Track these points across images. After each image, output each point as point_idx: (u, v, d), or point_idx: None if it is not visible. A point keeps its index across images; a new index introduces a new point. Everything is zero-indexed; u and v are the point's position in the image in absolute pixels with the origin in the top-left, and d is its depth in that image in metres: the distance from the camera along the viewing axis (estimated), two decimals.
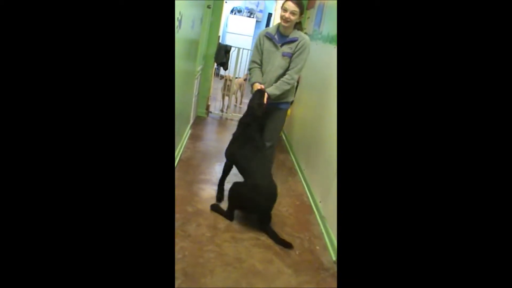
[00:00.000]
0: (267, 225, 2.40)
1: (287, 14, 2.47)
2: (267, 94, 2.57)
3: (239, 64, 4.97)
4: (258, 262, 2.07)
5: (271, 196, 2.41)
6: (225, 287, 1.82)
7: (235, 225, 2.41)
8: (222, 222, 2.41)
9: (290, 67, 2.59)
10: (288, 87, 2.61)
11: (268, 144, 2.82)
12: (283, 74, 2.63)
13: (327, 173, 2.66)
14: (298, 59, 2.56)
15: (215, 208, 2.53)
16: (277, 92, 2.59)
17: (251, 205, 2.39)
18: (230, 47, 4.82)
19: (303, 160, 3.52)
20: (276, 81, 2.63)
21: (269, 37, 2.63)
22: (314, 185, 3.03)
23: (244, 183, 2.46)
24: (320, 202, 2.75)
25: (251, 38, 8.64)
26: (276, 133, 2.86)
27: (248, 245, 2.22)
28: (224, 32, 8.34)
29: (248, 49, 5.78)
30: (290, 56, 2.58)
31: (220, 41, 4.85)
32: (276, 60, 2.62)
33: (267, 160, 2.59)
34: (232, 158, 2.62)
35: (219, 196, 2.71)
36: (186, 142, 3.68)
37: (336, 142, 2.46)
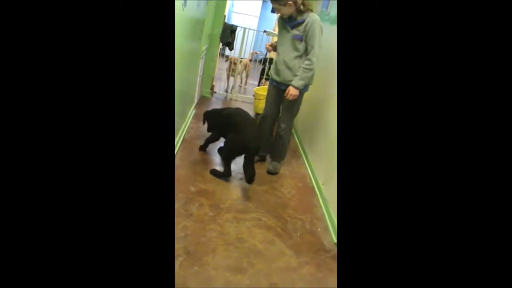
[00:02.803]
0: (253, 159, 2.72)
1: (276, 11, 2.64)
2: (294, 86, 2.65)
3: (244, 45, 4.92)
4: (259, 243, 2.09)
5: (255, 129, 2.74)
6: (227, 266, 1.84)
7: (237, 205, 2.43)
8: (225, 202, 2.43)
9: (308, 51, 2.61)
10: (310, 73, 2.65)
11: (283, 126, 2.92)
12: (299, 56, 2.66)
13: (330, 156, 2.66)
14: (311, 42, 2.58)
15: (214, 172, 2.77)
16: (302, 82, 2.65)
17: (239, 144, 2.66)
18: (236, 27, 4.76)
19: (307, 142, 3.51)
20: (291, 62, 2.68)
21: (281, 20, 2.71)
22: (317, 167, 3.04)
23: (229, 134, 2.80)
24: (322, 184, 2.76)
25: (257, 18, 8.54)
26: (292, 116, 2.92)
27: (250, 225, 2.24)
28: (230, 12, 8.24)
29: (254, 30, 5.73)
30: (301, 38, 2.60)
31: (226, 20, 4.79)
32: (288, 43, 2.68)
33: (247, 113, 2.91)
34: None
35: (203, 147, 3.13)
36: (190, 122, 3.68)
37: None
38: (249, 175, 2.58)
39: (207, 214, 2.26)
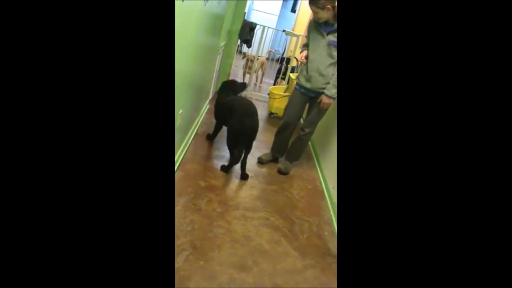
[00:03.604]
0: (248, 151, 2.77)
1: (313, 15, 2.53)
2: (327, 95, 2.62)
3: (262, 43, 4.91)
4: (266, 242, 2.09)
5: (251, 111, 2.73)
6: (231, 263, 1.85)
7: (246, 203, 2.43)
8: (234, 199, 2.43)
9: None
10: None
11: (306, 130, 2.90)
12: (333, 64, 2.59)
13: None
14: None
15: (223, 168, 2.79)
16: (335, 90, 2.61)
17: (236, 127, 2.65)
18: (255, 24, 4.75)
19: (320, 145, 3.51)
20: (325, 70, 2.61)
21: (316, 25, 2.61)
22: (328, 171, 3.03)
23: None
24: (332, 188, 2.75)
25: (276, 17, 8.53)
26: (317, 122, 2.88)
27: (258, 224, 2.24)
28: (250, 9, 8.24)
29: (273, 28, 5.72)
30: (337, 46, 2.52)
31: (245, 18, 4.79)
32: (322, 49, 2.59)
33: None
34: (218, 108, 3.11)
35: (211, 137, 3.25)
36: (204, 117, 3.69)
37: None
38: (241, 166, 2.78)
39: (216, 210, 2.26)
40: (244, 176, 2.76)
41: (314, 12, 2.48)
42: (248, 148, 2.75)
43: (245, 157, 2.76)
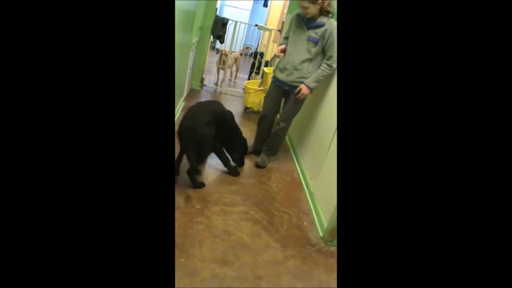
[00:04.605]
0: (196, 164, 2.39)
1: (302, 10, 2.48)
2: (306, 87, 2.61)
3: (235, 38, 4.90)
4: (246, 236, 2.11)
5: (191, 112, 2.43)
6: (213, 258, 1.86)
7: (225, 198, 2.44)
8: (212, 195, 2.43)
9: (328, 57, 2.54)
10: (324, 77, 2.59)
11: (282, 124, 2.90)
12: (310, 60, 2.59)
13: (318, 151, 2.68)
14: (332, 49, 2.50)
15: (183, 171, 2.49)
16: (315, 84, 2.61)
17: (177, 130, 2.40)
18: (228, 20, 4.74)
19: (296, 137, 3.53)
20: (300, 65, 2.61)
21: (298, 18, 2.60)
22: (305, 162, 3.06)
23: None
24: (310, 179, 2.78)
25: (249, 12, 8.51)
26: (293, 116, 2.89)
27: (237, 218, 2.25)
28: (222, 5, 8.19)
29: (246, 23, 5.71)
30: (316, 42, 2.52)
31: (217, 13, 4.77)
32: (301, 43, 2.58)
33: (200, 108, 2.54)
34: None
35: None
36: (179, 115, 3.66)
37: (332, 122, 2.47)
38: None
39: (195, 206, 2.26)
40: (196, 185, 2.48)
41: (304, 7, 2.44)
42: (200, 156, 2.41)
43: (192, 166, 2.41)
